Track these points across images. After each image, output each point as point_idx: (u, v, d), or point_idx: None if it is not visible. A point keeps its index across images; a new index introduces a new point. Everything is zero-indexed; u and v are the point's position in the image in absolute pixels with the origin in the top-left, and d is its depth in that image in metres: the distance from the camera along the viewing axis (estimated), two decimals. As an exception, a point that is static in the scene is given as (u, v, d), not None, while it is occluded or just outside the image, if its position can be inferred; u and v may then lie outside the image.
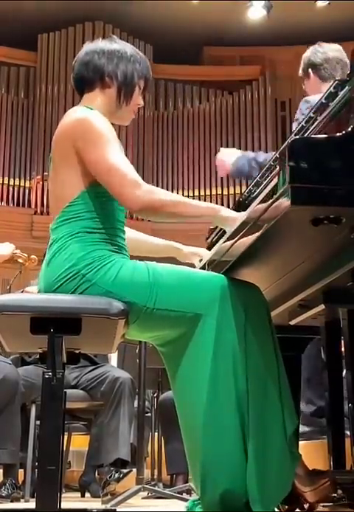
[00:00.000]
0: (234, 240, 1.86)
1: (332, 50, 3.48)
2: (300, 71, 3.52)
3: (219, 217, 2.09)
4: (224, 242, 1.97)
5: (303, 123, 2.03)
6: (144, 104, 2.32)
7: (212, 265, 2.19)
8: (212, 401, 1.92)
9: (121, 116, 2.26)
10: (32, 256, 4.14)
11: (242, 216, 1.86)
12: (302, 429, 2.99)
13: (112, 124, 2.16)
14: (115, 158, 2.04)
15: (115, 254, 2.06)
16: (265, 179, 2.33)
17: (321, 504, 2.05)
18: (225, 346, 1.94)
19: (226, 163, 3.57)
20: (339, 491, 1.98)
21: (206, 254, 2.43)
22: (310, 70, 3.43)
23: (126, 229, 2.31)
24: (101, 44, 2.25)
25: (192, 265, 2.43)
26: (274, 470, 1.87)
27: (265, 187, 2.11)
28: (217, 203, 9.07)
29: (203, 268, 2.27)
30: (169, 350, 2.08)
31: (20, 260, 4.13)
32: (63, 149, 2.10)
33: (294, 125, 3.20)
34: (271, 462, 1.88)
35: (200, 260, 2.42)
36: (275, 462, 1.88)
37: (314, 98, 3.22)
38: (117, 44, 2.26)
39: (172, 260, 2.27)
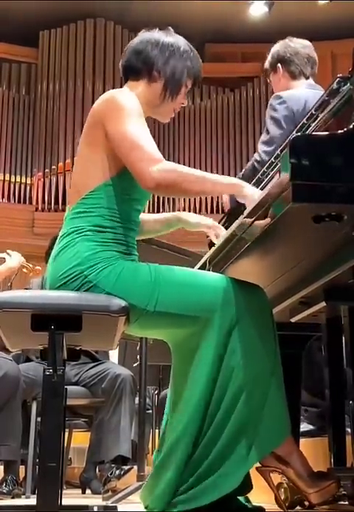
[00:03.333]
0: (253, 219, 1.82)
1: (303, 46, 3.39)
2: (267, 64, 3.43)
3: (242, 195, 2.02)
4: (245, 218, 1.93)
5: (304, 120, 2.02)
6: (186, 103, 2.26)
7: (212, 262, 2.19)
8: (197, 405, 1.93)
9: (161, 111, 2.23)
10: (37, 267, 4.19)
11: (260, 195, 1.82)
12: (307, 427, 3.00)
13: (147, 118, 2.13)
14: (134, 130, 2.00)
15: (122, 255, 2.03)
16: (266, 177, 2.32)
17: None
18: (225, 350, 1.94)
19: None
20: (340, 489, 1.98)
21: (219, 228, 2.38)
22: (279, 64, 3.35)
23: None
24: (156, 35, 2.21)
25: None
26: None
27: (267, 184, 2.11)
28: (219, 201, 9.07)
29: (203, 266, 2.27)
30: (176, 346, 2.09)
31: (25, 270, 4.21)
32: (92, 132, 2.08)
33: (270, 124, 3.15)
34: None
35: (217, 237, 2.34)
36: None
37: (288, 94, 3.21)
38: (172, 38, 2.21)
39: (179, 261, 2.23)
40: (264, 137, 3.18)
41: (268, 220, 1.70)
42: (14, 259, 4.05)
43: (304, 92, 3.21)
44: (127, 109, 2.03)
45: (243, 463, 1.91)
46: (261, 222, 1.74)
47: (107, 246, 2.02)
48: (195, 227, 2.40)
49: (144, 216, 2.34)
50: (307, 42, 3.44)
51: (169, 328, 2.01)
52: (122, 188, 2.06)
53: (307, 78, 3.34)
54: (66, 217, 2.11)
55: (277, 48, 3.41)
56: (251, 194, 1.99)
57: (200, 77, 2.25)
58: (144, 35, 2.22)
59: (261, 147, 3.16)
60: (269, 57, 3.43)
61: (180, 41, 2.22)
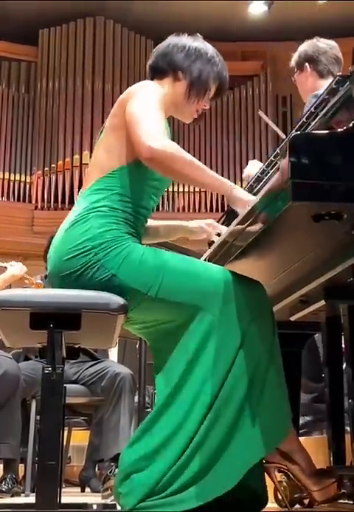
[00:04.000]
0: (245, 225, 1.83)
1: (331, 47, 3.46)
2: (293, 63, 3.47)
3: (232, 196, 2.03)
4: (236, 225, 1.94)
5: (304, 119, 2.02)
6: (208, 108, 2.29)
7: (212, 260, 2.19)
8: (194, 400, 1.92)
9: (184, 112, 2.27)
10: (38, 281, 4.23)
11: (253, 200, 1.83)
12: (303, 419, 3.00)
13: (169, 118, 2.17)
14: (145, 106, 2.04)
15: (131, 237, 2.05)
16: (266, 175, 2.32)
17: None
18: (224, 343, 1.94)
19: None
20: (341, 487, 1.99)
21: (221, 228, 2.39)
22: (307, 64, 3.39)
23: None
24: (184, 40, 2.27)
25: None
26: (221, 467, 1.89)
27: (266, 183, 2.10)
28: (218, 199, 9.07)
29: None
30: (158, 341, 2.08)
31: (26, 281, 4.29)
32: (116, 117, 2.12)
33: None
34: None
35: (219, 235, 2.36)
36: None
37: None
38: (199, 43, 2.28)
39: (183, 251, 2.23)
40: None
41: (259, 225, 1.70)
42: (17, 268, 4.20)
43: None
44: (145, 92, 2.09)
45: (244, 458, 1.90)
46: (254, 227, 1.74)
47: (117, 224, 2.04)
48: (197, 235, 2.44)
49: (151, 222, 2.36)
50: (333, 43, 3.51)
51: (165, 315, 2.01)
52: (139, 173, 2.09)
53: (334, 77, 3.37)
54: (80, 194, 2.15)
55: (305, 47, 3.46)
56: (240, 197, 1.99)
57: (225, 86, 2.29)
58: (172, 39, 2.28)
59: None
60: (296, 57, 3.47)
61: (208, 47, 2.28)
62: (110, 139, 2.13)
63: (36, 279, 4.26)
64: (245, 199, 1.96)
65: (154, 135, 1.97)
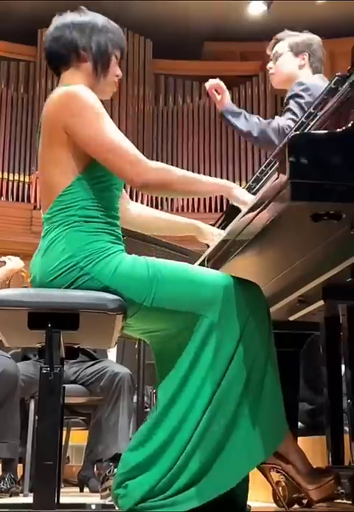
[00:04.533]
0: (246, 223, 1.83)
1: (321, 45, 3.50)
2: (288, 47, 3.44)
3: (231, 197, 2.04)
4: (237, 222, 1.93)
5: (303, 119, 2.02)
6: (121, 74, 2.25)
7: (211, 260, 2.19)
8: (191, 405, 1.92)
9: (101, 89, 2.17)
10: None
11: (252, 200, 1.83)
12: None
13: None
14: (111, 134, 1.98)
15: (114, 245, 2.01)
16: (265, 175, 2.32)
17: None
18: (222, 348, 1.93)
19: (224, 95, 3.52)
20: (339, 485, 1.98)
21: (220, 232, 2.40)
22: (307, 52, 3.41)
23: (141, 206, 2.29)
24: (70, 17, 2.19)
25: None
26: (224, 469, 1.88)
27: (265, 183, 2.10)
28: (217, 199, 9.07)
29: (201, 264, 2.27)
30: (160, 344, 2.07)
31: (23, 274, 4.33)
32: (52, 133, 2.02)
33: (294, 107, 3.21)
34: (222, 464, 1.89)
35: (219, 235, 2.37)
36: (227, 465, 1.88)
37: (311, 83, 3.26)
38: (87, 16, 2.20)
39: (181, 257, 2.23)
40: (291, 116, 3.22)
41: (263, 220, 1.70)
42: (14, 262, 4.20)
43: (321, 84, 3.27)
44: (95, 108, 2.00)
45: (244, 461, 1.89)
46: (255, 224, 1.74)
47: (96, 235, 1.99)
48: (206, 238, 2.42)
49: (150, 211, 2.34)
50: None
51: (164, 324, 2.00)
52: (96, 178, 2.03)
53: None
54: (44, 217, 2.08)
55: (307, 38, 3.46)
56: (240, 196, 1.99)
57: (124, 47, 2.23)
58: (58, 20, 2.19)
59: (288, 122, 3.23)
60: (295, 39, 3.45)
61: (97, 17, 2.21)
62: (53, 157, 2.03)
63: None
64: (243, 199, 1.96)
65: (139, 162, 1.96)
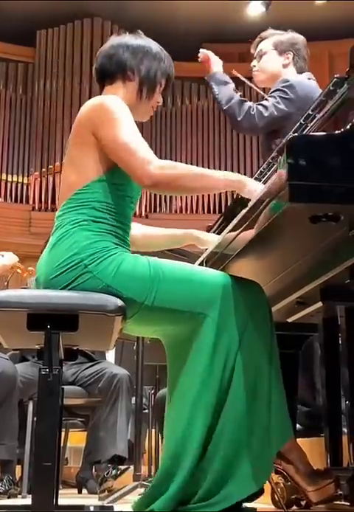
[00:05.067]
0: (237, 232, 1.83)
1: (305, 44, 3.53)
2: (271, 46, 3.48)
3: (244, 193, 2.03)
4: (227, 233, 1.94)
5: (302, 120, 2.03)
6: (162, 101, 2.31)
7: (210, 261, 2.19)
8: (194, 403, 1.92)
9: (139, 111, 2.25)
10: (30, 268, 4.23)
11: (261, 191, 1.82)
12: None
13: None
14: (127, 134, 2.02)
15: (118, 247, 2.03)
16: (264, 177, 2.32)
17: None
18: (222, 347, 1.94)
19: (212, 62, 3.56)
20: (338, 488, 1.98)
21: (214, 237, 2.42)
22: (291, 51, 3.44)
23: (140, 226, 2.30)
24: (126, 39, 2.26)
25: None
26: (244, 468, 1.88)
27: (264, 184, 2.10)
28: (215, 200, 9.08)
29: (201, 264, 2.27)
30: (171, 343, 2.09)
31: (18, 271, 4.28)
32: (81, 136, 2.10)
33: (275, 98, 3.25)
34: (242, 461, 1.88)
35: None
36: (245, 463, 1.88)
37: (296, 81, 3.28)
38: (142, 40, 2.26)
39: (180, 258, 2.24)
40: (265, 102, 3.29)
41: (251, 232, 1.71)
42: (7, 258, 4.11)
43: (307, 82, 3.34)
44: (117, 113, 2.06)
45: (261, 463, 1.90)
46: (245, 234, 1.75)
47: (102, 235, 2.03)
48: (206, 244, 2.43)
49: (150, 230, 2.35)
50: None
51: (166, 324, 2.01)
52: (113, 184, 2.08)
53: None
54: (57, 215, 2.12)
55: (292, 37, 3.49)
56: (254, 189, 1.98)
57: (172, 76, 2.31)
58: (114, 40, 2.27)
59: (258, 106, 3.29)
60: (279, 37, 3.48)
61: (151, 43, 2.28)
62: (79, 156, 2.10)
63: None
64: (259, 189, 1.93)
65: (148, 161, 1.97)
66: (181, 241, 2.50)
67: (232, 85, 3.44)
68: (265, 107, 3.27)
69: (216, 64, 3.56)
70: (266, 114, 3.25)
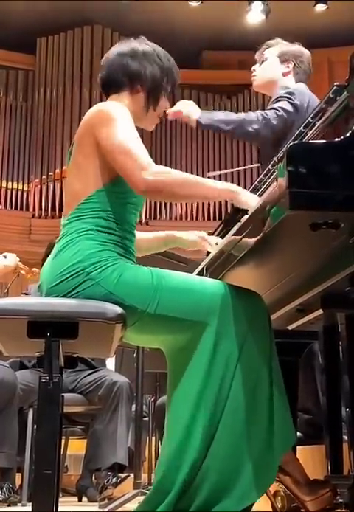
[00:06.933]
0: (242, 235, 1.83)
1: (308, 58, 3.53)
2: (275, 54, 3.49)
3: (238, 202, 2.04)
4: (234, 234, 1.94)
5: (301, 128, 2.03)
6: (169, 107, 2.31)
7: (210, 269, 2.19)
8: (193, 410, 1.92)
9: (147, 120, 2.26)
10: (34, 269, 4.22)
11: (258, 202, 1.82)
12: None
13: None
14: (124, 136, 2.02)
15: (122, 258, 2.04)
16: (263, 184, 2.32)
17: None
18: (221, 355, 1.94)
19: (186, 111, 3.46)
20: (336, 496, 1.98)
21: (217, 239, 2.42)
22: (293, 61, 3.44)
23: (139, 233, 2.31)
24: (132, 45, 2.24)
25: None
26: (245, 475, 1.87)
27: (263, 192, 2.11)
28: (215, 208, 9.08)
29: (200, 273, 2.27)
30: (171, 351, 2.09)
31: (22, 272, 4.27)
32: (84, 145, 2.09)
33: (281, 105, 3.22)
34: (243, 468, 1.88)
35: (217, 244, 2.37)
36: (247, 469, 1.88)
37: (297, 89, 3.29)
38: (147, 46, 2.25)
39: (179, 268, 2.24)
40: (275, 105, 3.27)
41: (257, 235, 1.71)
42: (9, 259, 4.11)
43: (306, 91, 3.34)
44: (117, 117, 2.06)
45: (263, 472, 1.89)
46: (251, 237, 1.74)
47: (107, 245, 2.03)
48: (191, 246, 2.46)
49: (137, 235, 2.37)
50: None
51: (166, 333, 2.01)
52: (116, 193, 2.08)
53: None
54: (63, 223, 2.13)
55: (294, 47, 3.49)
56: (247, 200, 1.99)
57: (177, 82, 2.28)
58: (118, 47, 2.26)
59: (267, 111, 3.26)
60: (281, 46, 3.49)
61: (156, 48, 2.26)
62: (83, 165, 2.10)
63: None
64: (251, 205, 1.94)
65: (142, 166, 1.97)
66: (165, 243, 2.52)
67: (220, 113, 3.45)
68: (276, 109, 3.26)
69: (191, 111, 3.46)
70: (280, 113, 3.23)
